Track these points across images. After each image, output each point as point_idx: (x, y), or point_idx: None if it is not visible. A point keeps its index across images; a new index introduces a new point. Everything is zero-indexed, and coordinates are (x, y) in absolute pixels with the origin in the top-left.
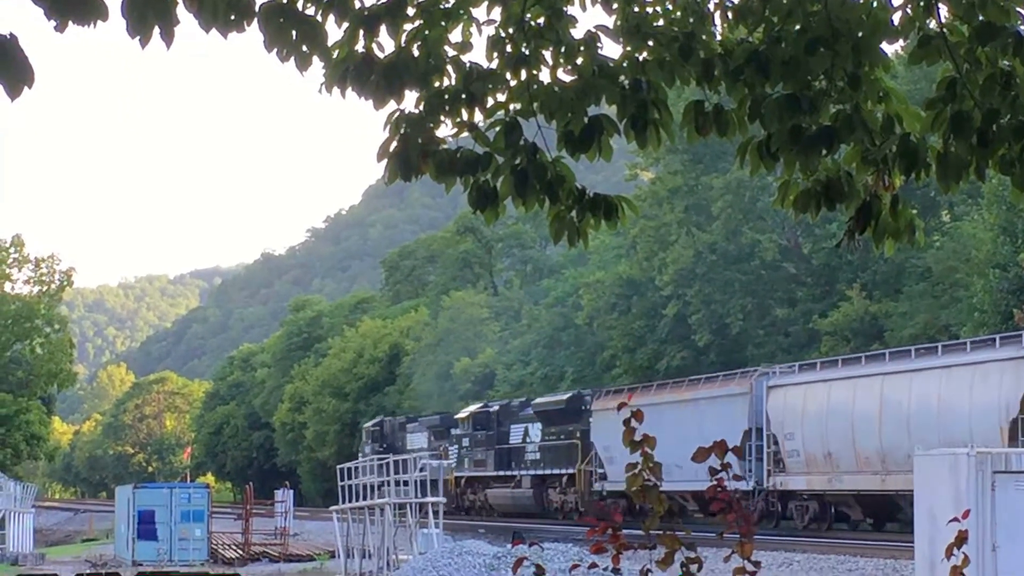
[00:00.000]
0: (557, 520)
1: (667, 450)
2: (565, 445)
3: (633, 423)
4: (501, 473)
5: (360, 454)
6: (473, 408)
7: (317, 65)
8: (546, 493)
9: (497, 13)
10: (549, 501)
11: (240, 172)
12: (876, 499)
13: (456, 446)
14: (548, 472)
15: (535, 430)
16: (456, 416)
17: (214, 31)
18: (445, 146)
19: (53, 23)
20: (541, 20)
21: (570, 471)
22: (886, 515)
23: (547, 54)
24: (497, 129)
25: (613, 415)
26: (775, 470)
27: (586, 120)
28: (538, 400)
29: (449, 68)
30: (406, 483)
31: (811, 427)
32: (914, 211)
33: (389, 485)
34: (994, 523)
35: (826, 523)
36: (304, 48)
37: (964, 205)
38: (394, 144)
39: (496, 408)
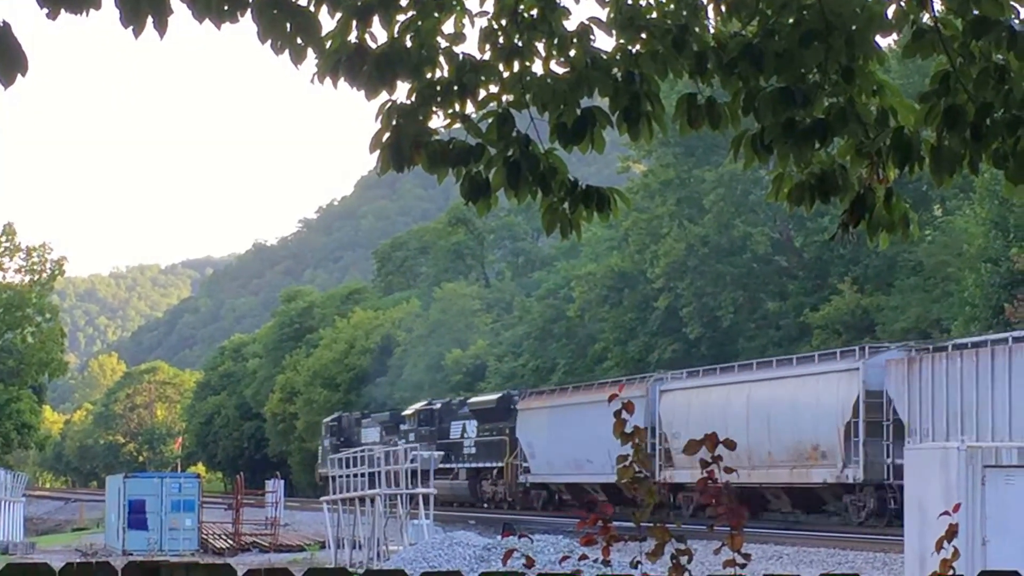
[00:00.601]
0: (488, 510)
1: (579, 446)
2: (496, 441)
3: (624, 415)
4: (441, 466)
5: (320, 447)
6: (418, 406)
7: (310, 56)
8: (480, 484)
9: (490, 4)
10: (482, 492)
11: (232, 162)
12: (746, 491)
13: (404, 440)
14: (481, 465)
15: (471, 427)
16: (403, 413)
17: (207, 22)
18: (437, 137)
19: (45, 11)
20: (534, 12)
21: (499, 464)
22: (758, 506)
23: (540, 46)
24: (490, 120)
25: (536, 414)
26: (665, 464)
27: (579, 112)
28: (473, 399)
29: (442, 59)
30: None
31: (693, 427)
32: (907, 204)
33: (380, 476)
34: (984, 517)
35: (706, 512)
36: (298, 40)
37: (956, 200)
38: (386, 135)
39: (439, 406)
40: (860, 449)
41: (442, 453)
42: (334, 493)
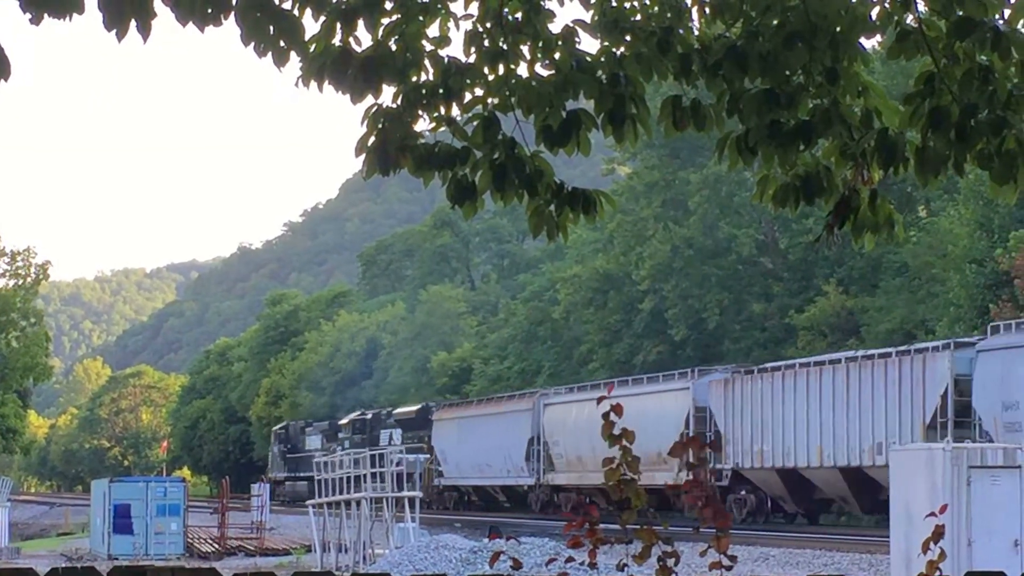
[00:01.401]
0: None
1: (480, 452)
2: (416, 448)
3: (613, 417)
4: (373, 470)
5: (270, 453)
6: (353, 416)
7: (294, 59)
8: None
9: (475, 8)
10: None
11: (217, 166)
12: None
13: (341, 447)
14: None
15: (397, 435)
16: (340, 423)
17: (191, 25)
18: (423, 140)
19: (28, 16)
20: (519, 15)
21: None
22: (625, 503)
23: (525, 49)
24: (475, 124)
25: (447, 424)
26: (547, 469)
27: (564, 115)
28: (397, 410)
29: (427, 63)
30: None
31: (569, 436)
32: (892, 206)
33: (365, 479)
34: (969, 518)
35: (582, 510)
36: (281, 43)
37: (941, 200)
38: (372, 138)
39: (370, 416)
40: (690, 456)
41: (427, 456)
42: (320, 496)
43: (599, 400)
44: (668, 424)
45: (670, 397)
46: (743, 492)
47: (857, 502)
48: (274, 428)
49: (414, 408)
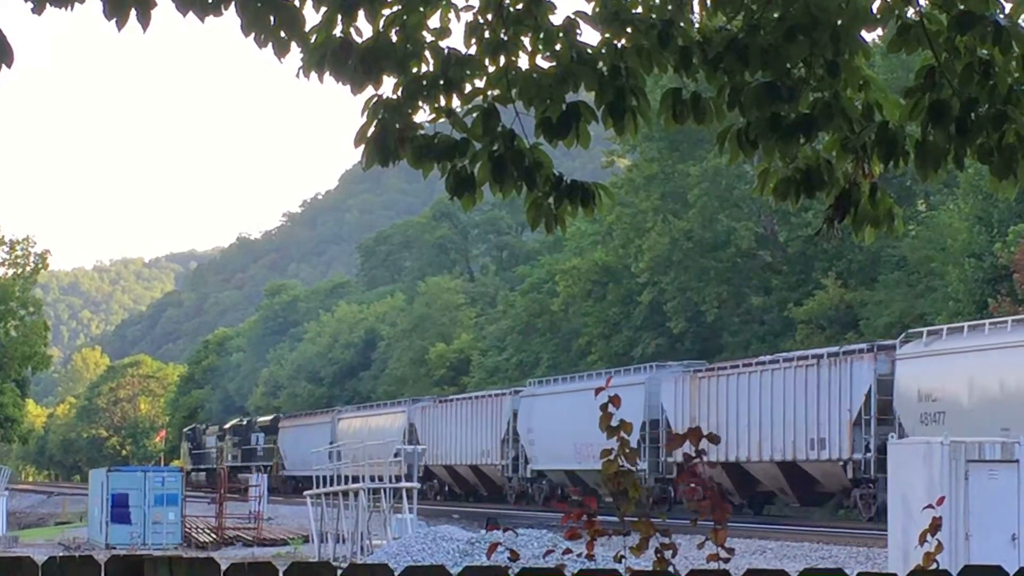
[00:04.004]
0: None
1: (304, 453)
2: (270, 448)
3: (611, 408)
4: (245, 464)
5: (182, 449)
6: (233, 422)
7: (295, 49)
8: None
9: None
10: None
11: (217, 156)
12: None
13: (227, 446)
14: (264, 463)
15: (261, 437)
16: (225, 427)
17: (191, 15)
18: (423, 132)
19: (30, 5)
20: (520, 6)
21: (271, 463)
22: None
23: (526, 40)
24: (475, 115)
25: (288, 431)
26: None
27: (564, 107)
28: (260, 419)
29: (427, 54)
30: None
31: (351, 440)
32: (892, 199)
33: (364, 473)
34: (967, 512)
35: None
36: (282, 33)
37: (940, 195)
38: (372, 129)
39: (246, 422)
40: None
41: (425, 447)
42: (318, 487)
43: (601, 390)
44: (394, 435)
45: (396, 416)
46: (435, 481)
47: (507, 482)
48: (184, 429)
49: (269, 418)
